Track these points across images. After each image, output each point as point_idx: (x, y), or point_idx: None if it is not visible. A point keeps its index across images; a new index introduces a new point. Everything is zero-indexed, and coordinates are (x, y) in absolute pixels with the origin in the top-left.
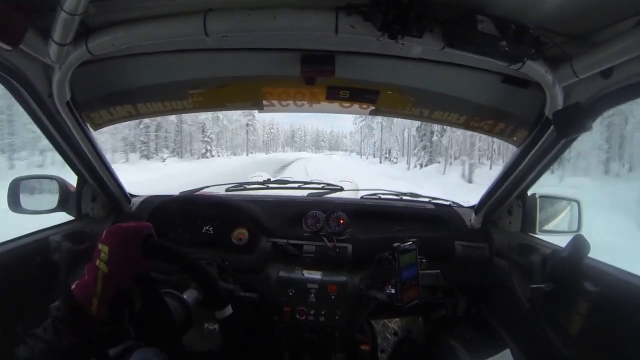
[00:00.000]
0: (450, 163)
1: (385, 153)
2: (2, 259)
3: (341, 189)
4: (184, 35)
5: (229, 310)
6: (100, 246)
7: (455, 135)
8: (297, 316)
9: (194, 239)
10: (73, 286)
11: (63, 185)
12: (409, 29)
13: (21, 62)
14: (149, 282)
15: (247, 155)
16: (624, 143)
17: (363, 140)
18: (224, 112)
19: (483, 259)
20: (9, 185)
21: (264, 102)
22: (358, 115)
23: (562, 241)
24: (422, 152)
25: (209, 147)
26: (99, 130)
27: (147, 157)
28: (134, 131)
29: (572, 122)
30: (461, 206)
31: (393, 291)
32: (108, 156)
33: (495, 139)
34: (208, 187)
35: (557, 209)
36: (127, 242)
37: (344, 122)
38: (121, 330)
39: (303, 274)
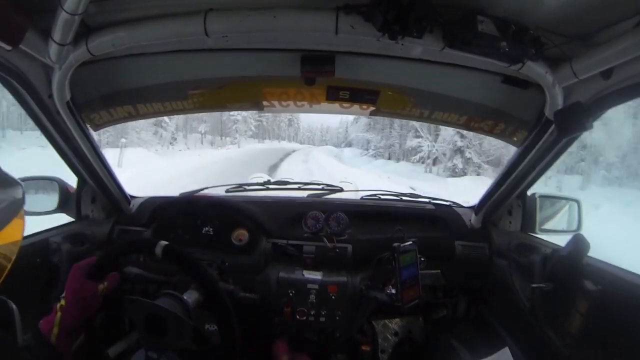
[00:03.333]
0: None
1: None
2: None
3: (341, 190)
4: (184, 35)
5: (162, 243)
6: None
7: None
8: (298, 317)
9: (194, 240)
10: (41, 321)
11: (63, 187)
12: (409, 30)
13: (21, 62)
14: (114, 300)
15: None
16: None
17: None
18: None
19: (483, 258)
20: None
21: (264, 102)
22: None
23: (562, 241)
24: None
25: None
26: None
27: None
28: None
29: (573, 121)
30: (461, 206)
31: (393, 291)
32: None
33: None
34: (208, 188)
35: (557, 208)
36: (74, 277)
37: None
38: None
39: (303, 275)
